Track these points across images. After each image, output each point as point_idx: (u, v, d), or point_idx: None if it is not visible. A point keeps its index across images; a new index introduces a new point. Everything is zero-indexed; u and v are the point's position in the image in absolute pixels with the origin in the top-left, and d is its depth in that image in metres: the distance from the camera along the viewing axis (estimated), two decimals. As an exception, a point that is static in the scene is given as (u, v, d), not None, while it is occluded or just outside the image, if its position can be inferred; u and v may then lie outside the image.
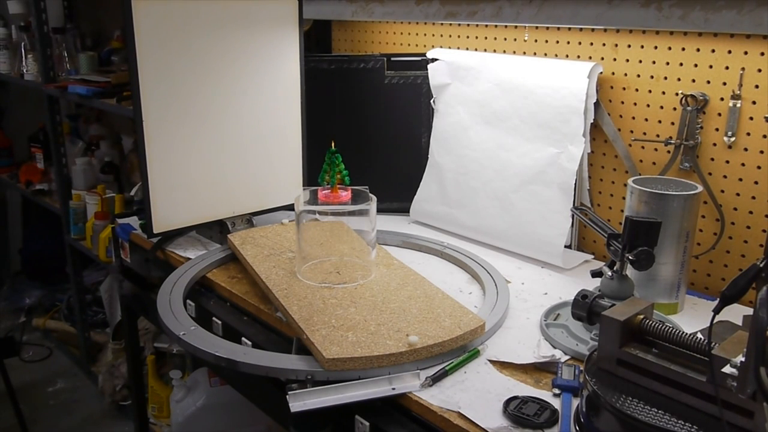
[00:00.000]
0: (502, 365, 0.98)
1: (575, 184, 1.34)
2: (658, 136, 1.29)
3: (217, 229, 1.43)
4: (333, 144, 1.26)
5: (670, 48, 1.25)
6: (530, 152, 1.39)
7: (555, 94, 1.34)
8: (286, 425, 1.00)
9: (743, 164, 1.18)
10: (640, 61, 1.30)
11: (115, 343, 2.60)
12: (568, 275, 1.31)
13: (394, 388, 0.91)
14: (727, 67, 1.18)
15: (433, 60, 1.56)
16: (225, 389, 1.87)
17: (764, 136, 1.15)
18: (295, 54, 1.45)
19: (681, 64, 1.24)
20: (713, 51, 1.19)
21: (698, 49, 1.21)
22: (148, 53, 1.24)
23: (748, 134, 1.17)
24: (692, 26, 1.13)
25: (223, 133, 1.38)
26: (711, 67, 1.20)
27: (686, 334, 0.78)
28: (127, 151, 2.72)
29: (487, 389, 0.91)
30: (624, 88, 1.33)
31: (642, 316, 0.81)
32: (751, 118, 1.16)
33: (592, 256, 1.39)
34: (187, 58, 1.30)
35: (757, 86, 1.14)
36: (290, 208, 1.40)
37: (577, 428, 0.80)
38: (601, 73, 1.34)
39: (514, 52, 1.52)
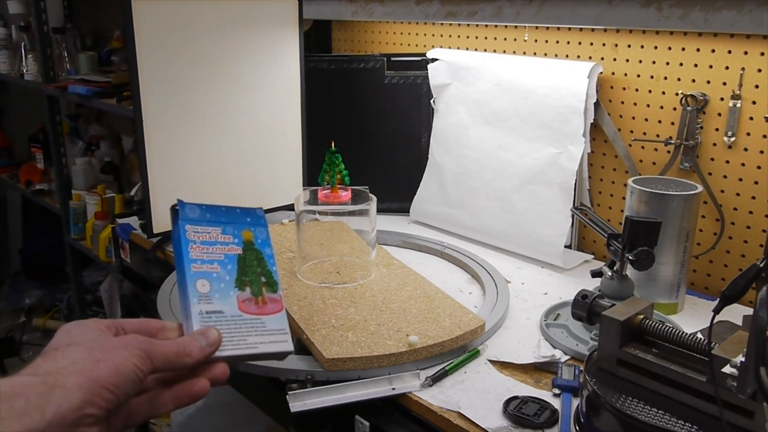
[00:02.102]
0: (502, 365, 0.98)
1: (575, 184, 1.34)
2: (658, 136, 1.29)
3: (217, 229, 1.43)
4: (333, 144, 1.26)
5: (670, 48, 1.25)
6: (530, 152, 1.39)
7: (555, 94, 1.34)
8: (286, 425, 1.00)
9: (743, 164, 1.18)
10: (640, 61, 1.30)
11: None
12: (568, 275, 1.31)
13: (394, 388, 0.91)
14: (727, 67, 1.18)
15: (433, 60, 1.56)
16: (225, 389, 1.86)
17: (764, 136, 1.15)
18: (295, 54, 1.45)
19: (681, 64, 1.24)
20: (713, 51, 1.19)
21: (698, 49, 1.21)
22: (148, 53, 1.24)
23: (748, 134, 1.17)
24: (692, 26, 1.13)
25: (223, 133, 1.38)
26: (711, 67, 1.20)
27: (686, 334, 0.78)
28: (127, 151, 2.72)
29: (487, 389, 0.91)
30: (624, 88, 1.33)
31: (642, 316, 0.81)
32: (751, 118, 1.16)
33: (592, 256, 1.39)
34: (187, 58, 1.30)
35: (757, 86, 1.14)
36: (290, 208, 1.40)
37: (577, 428, 0.81)
38: (601, 73, 1.34)
39: (514, 52, 1.52)
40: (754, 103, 1.15)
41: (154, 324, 0.64)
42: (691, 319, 1.13)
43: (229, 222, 0.72)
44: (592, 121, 1.34)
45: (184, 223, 0.69)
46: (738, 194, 1.20)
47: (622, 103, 1.34)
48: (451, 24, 1.63)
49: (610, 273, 1.03)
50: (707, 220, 1.25)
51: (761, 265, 0.64)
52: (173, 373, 0.61)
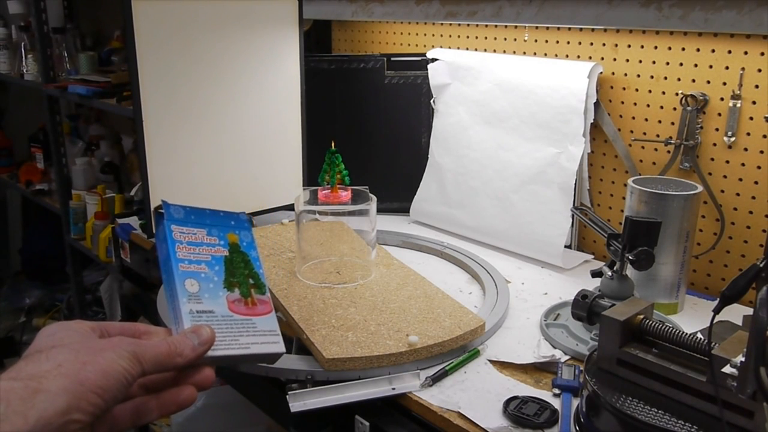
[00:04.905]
0: (502, 365, 0.98)
1: (575, 184, 1.34)
2: (658, 136, 1.29)
3: (217, 229, 1.43)
4: (333, 144, 1.26)
5: (670, 48, 1.25)
6: (530, 152, 1.39)
7: (555, 94, 1.34)
8: (286, 425, 1.00)
9: (743, 164, 1.18)
10: (640, 61, 1.30)
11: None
12: (568, 275, 1.31)
13: (394, 388, 0.91)
14: (727, 67, 1.18)
15: (433, 60, 1.56)
16: (225, 389, 1.87)
17: (764, 136, 1.15)
18: (295, 54, 1.45)
19: (681, 64, 1.24)
20: (713, 51, 1.19)
21: (698, 49, 1.21)
22: (148, 53, 1.24)
23: (748, 134, 1.17)
24: (692, 26, 1.13)
25: (223, 133, 1.38)
26: (711, 67, 1.20)
27: (686, 334, 0.78)
28: (127, 151, 2.72)
29: (487, 389, 0.91)
30: (624, 88, 1.33)
31: (642, 316, 0.82)
32: (751, 118, 1.16)
33: (592, 256, 1.39)
34: (187, 58, 1.30)
35: (757, 86, 1.14)
36: (290, 208, 1.40)
37: (577, 428, 0.81)
38: (601, 73, 1.34)
39: (514, 52, 1.52)
40: (754, 103, 1.15)
41: (140, 327, 0.62)
42: (691, 319, 1.13)
43: (213, 224, 0.71)
44: (592, 121, 1.34)
45: (170, 223, 0.68)
46: (738, 194, 1.20)
47: (622, 103, 1.34)
48: (451, 24, 1.63)
49: (610, 273, 1.03)
50: (707, 220, 1.25)
51: (761, 265, 0.64)
52: (159, 379, 0.59)
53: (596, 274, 1.05)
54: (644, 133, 1.32)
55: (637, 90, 1.31)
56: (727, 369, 0.67)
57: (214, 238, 0.70)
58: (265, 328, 0.67)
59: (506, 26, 1.51)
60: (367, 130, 1.64)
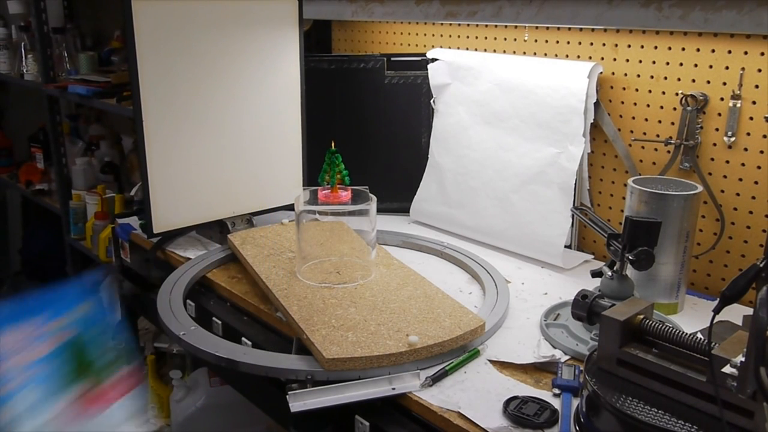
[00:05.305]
0: (502, 365, 0.98)
1: (575, 184, 1.34)
2: (658, 136, 1.29)
3: (217, 229, 1.43)
4: (333, 144, 1.26)
5: (670, 48, 1.25)
6: (530, 152, 1.39)
7: (555, 94, 1.34)
8: (286, 425, 1.00)
9: (743, 164, 1.18)
10: (640, 61, 1.30)
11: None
12: (568, 275, 1.31)
13: (394, 388, 0.91)
14: (727, 67, 1.18)
15: (433, 60, 1.56)
16: (225, 389, 1.87)
17: (764, 136, 1.15)
18: (295, 54, 1.45)
19: (681, 64, 1.24)
20: (713, 51, 1.19)
21: (698, 49, 1.21)
22: (148, 53, 1.24)
23: (748, 134, 1.17)
24: (692, 26, 1.13)
25: (223, 133, 1.38)
26: (711, 67, 1.20)
27: (686, 334, 0.78)
28: (127, 151, 2.72)
29: (487, 389, 0.91)
30: (624, 88, 1.33)
31: (642, 316, 0.81)
32: (751, 118, 1.16)
33: (592, 256, 1.39)
34: (187, 58, 1.30)
35: (757, 86, 1.14)
36: (290, 208, 1.39)
37: (577, 428, 0.81)
38: (601, 73, 1.34)
39: (514, 52, 1.52)
40: (754, 103, 1.15)
41: None
42: (691, 319, 1.13)
43: (56, 302, 0.60)
44: (592, 121, 1.34)
45: None
46: (738, 194, 1.20)
47: (622, 103, 1.34)
48: (451, 24, 1.63)
49: (610, 273, 1.03)
50: (707, 220, 1.25)
51: (761, 265, 0.64)
52: None
53: (596, 274, 1.05)
54: (644, 133, 1.32)
55: (637, 90, 1.31)
56: (727, 369, 0.67)
57: (59, 320, 0.59)
58: (123, 414, 0.58)
59: (506, 26, 1.51)
60: (367, 130, 1.64)
